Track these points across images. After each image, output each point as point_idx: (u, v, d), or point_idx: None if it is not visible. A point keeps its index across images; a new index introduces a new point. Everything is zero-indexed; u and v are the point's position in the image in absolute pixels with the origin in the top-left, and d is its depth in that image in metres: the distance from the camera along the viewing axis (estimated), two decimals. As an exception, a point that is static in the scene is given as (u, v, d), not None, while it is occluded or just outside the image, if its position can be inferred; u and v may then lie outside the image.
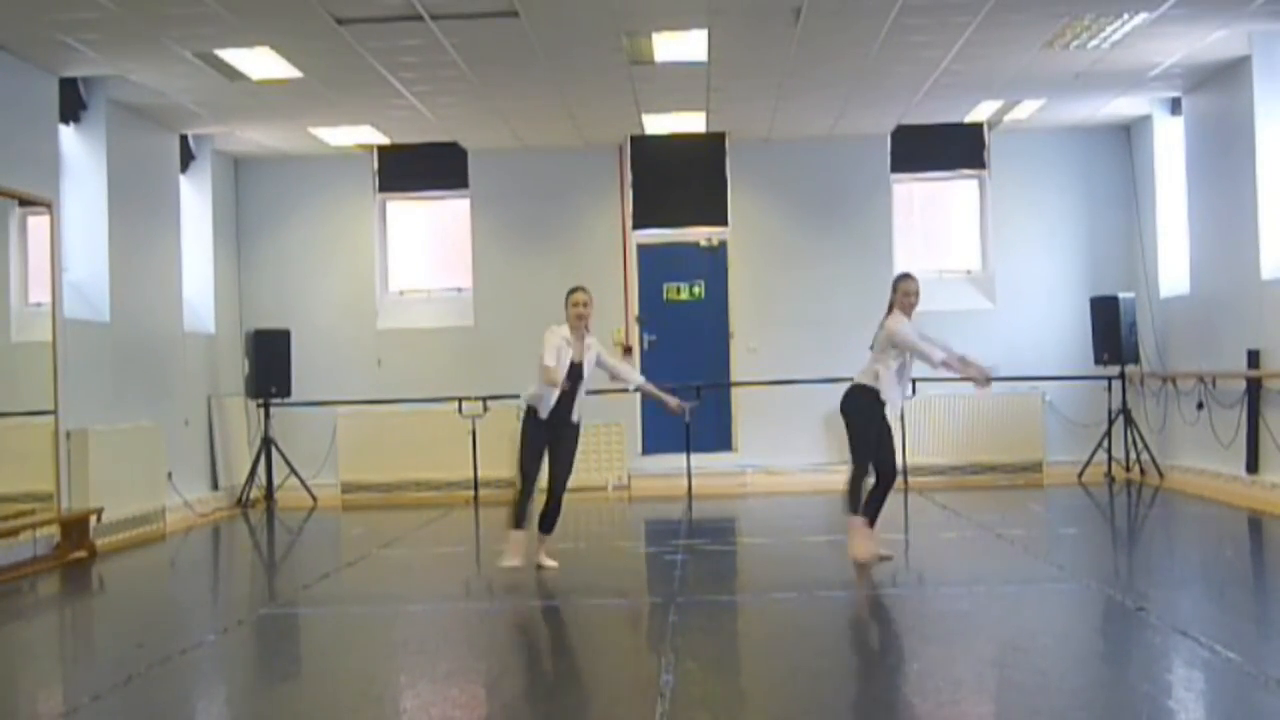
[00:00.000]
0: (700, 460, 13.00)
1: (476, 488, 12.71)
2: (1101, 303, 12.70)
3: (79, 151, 10.67)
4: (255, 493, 12.80)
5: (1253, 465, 10.74)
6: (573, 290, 8.04)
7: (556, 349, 7.86)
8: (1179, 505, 11.12)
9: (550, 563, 8.25)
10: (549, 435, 8.03)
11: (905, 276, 8.05)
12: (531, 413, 8.01)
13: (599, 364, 8.15)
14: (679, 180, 13.06)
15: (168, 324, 11.93)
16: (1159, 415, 12.75)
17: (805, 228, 13.61)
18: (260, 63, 9.71)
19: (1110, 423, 12.68)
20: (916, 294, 7.93)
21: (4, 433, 9.29)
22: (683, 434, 12.79)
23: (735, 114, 12.25)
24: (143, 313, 11.33)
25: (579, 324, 7.95)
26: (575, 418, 8.09)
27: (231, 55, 9.50)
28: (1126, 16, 9.22)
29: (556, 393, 7.91)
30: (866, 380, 7.95)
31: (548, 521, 8.27)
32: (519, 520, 8.00)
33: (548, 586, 7.78)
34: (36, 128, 9.70)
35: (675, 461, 13.01)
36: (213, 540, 11.05)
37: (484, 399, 12.64)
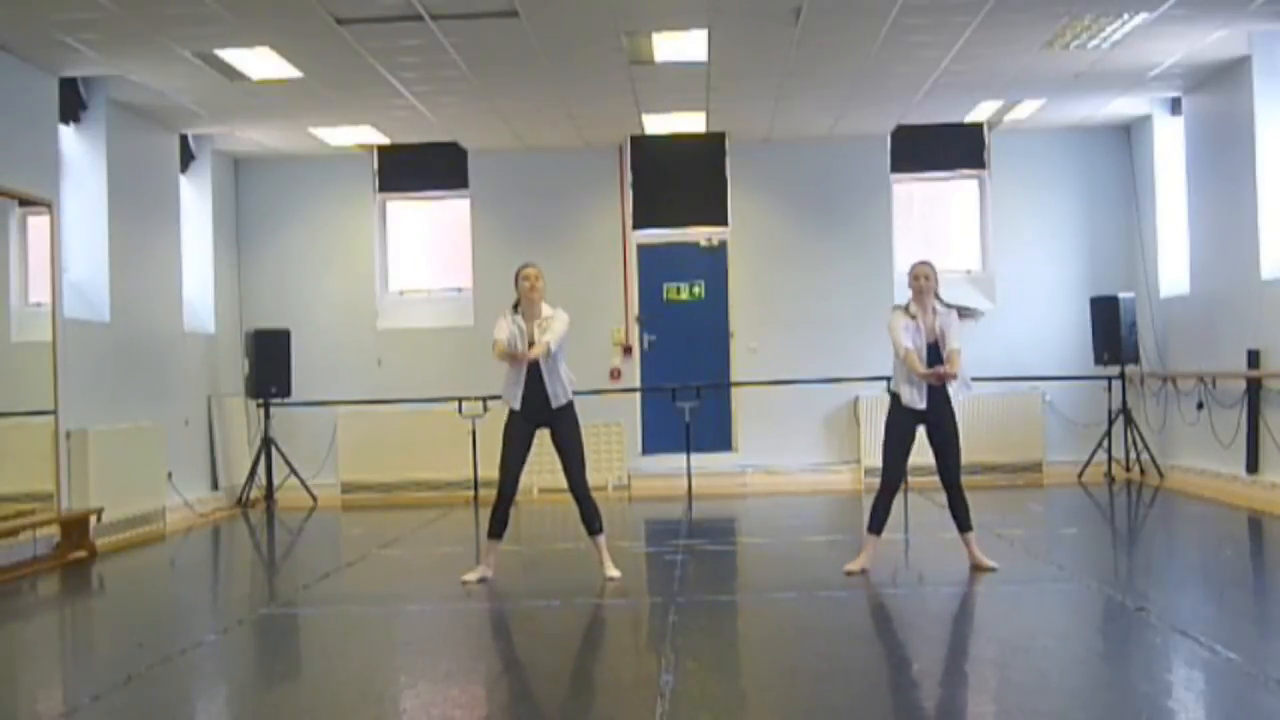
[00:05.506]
0: (700, 460, 13.00)
1: (476, 488, 12.68)
2: (1101, 303, 12.70)
3: (79, 151, 10.67)
4: (255, 493, 12.80)
5: (1253, 465, 10.74)
6: (521, 266, 7.79)
7: (507, 331, 7.65)
8: (1179, 505, 11.12)
9: (613, 572, 7.79)
10: (530, 429, 7.76)
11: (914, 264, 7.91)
12: (510, 413, 7.76)
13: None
14: (679, 180, 13.05)
15: (168, 324, 11.92)
16: (1159, 415, 12.75)
17: (805, 228, 13.61)
18: (260, 63, 9.70)
19: (1110, 423, 12.68)
20: (915, 276, 7.73)
21: (4, 433, 9.29)
22: (683, 434, 12.81)
23: (735, 114, 12.24)
24: (143, 313, 11.33)
25: (530, 300, 7.68)
26: (559, 400, 7.70)
27: (231, 55, 9.50)
28: (1126, 16, 9.22)
29: (521, 373, 7.61)
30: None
31: (587, 521, 7.81)
32: (491, 527, 7.85)
33: (548, 587, 7.78)
34: (36, 128, 9.70)
35: (675, 461, 13.00)
36: (213, 540, 11.05)
37: (484, 399, 12.59)
